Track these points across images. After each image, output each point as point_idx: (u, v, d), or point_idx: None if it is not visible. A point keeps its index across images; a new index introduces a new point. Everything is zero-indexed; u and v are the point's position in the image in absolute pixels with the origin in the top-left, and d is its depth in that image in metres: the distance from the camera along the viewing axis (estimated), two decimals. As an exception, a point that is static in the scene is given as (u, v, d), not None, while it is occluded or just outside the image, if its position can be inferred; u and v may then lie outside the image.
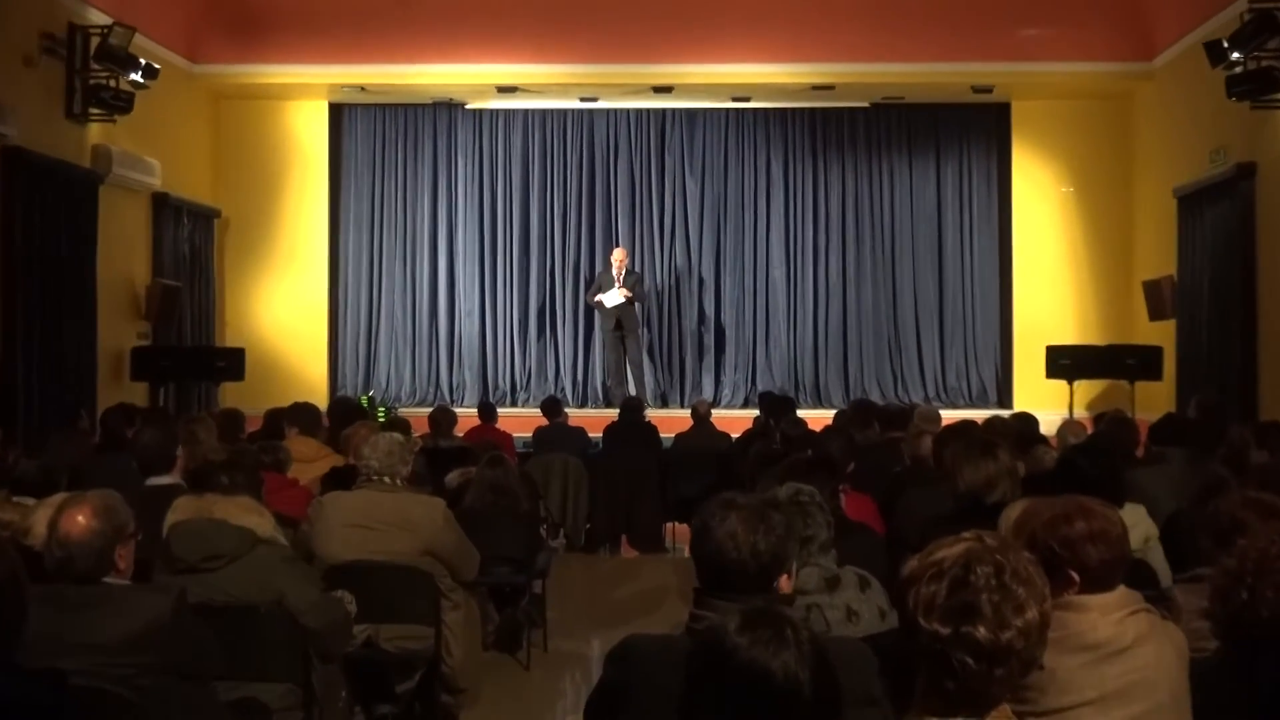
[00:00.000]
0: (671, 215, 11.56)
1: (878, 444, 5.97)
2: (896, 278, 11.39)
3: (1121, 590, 2.19)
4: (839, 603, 2.66)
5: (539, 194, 11.57)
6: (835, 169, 11.51)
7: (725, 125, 11.50)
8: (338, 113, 11.37)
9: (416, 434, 6.61)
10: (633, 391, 10.46)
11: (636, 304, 10.79)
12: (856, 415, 6.69)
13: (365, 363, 11.42)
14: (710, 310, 11.51)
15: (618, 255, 10.71)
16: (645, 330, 11.28)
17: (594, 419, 8.89)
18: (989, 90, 10.53)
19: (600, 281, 10.73)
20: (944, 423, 5.59)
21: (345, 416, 6.44)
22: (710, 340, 11.48)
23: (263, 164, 11.00)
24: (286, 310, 11.02)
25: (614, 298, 10.42)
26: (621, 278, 10.48)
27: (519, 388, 11.39)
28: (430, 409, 7.67)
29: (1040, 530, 2.21)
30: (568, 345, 11.48)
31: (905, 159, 11.44)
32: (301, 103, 11.06)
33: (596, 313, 10.92)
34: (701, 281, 11.58)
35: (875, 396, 10.57)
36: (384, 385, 11.35)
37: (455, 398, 11.17)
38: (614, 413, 8.51)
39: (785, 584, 2.20)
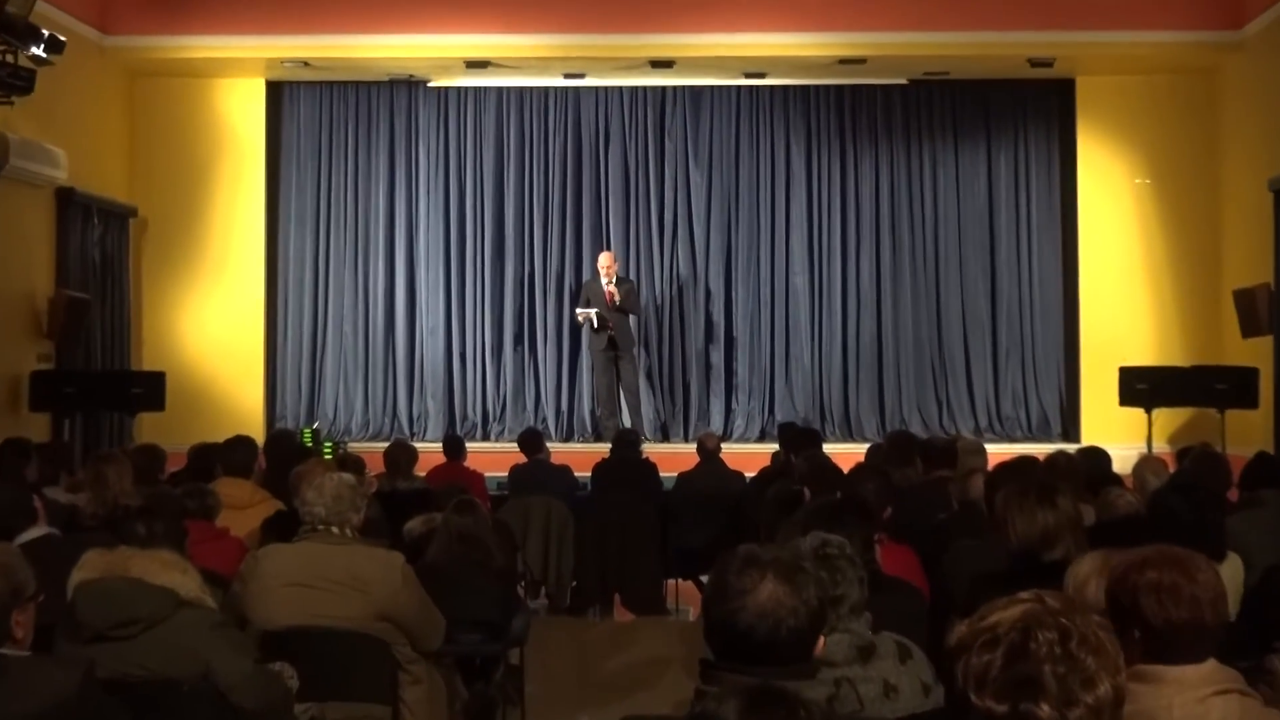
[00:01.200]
0: (673, 213, 11.65)
1: (920, 485, 5.99)
2: (941, 286, 11.52)
3: (1212, 665, 2.14)
4: (874, 675, 2.64)
5: (515, 189, 11.66)
6: (867, 158, 11.61)
7: (736, 106, 11.62)
8: (276, 93, 11.47)
9: (370, 474, 6.62)
10: (627, 422, 10.58)
11: (631, 317, 10.89)
12: (894, 451, 6.69)
13: (309, 389, 11.52)
14: (719, 325, 11.62)
15: (604, 260, 10.79)
16: (642, 350, 11.39)
17: (581, 455, 8.93)
18: (1049, 64, 10.57)
19: (588, 292, 10.81)
20: (998, 459, 5.58)
21: (285, 454, 6.48)
22: (719, 361, 11.58)
23: (188, 154, 11.09)
24: (216, 327, 11.12)
25: (596, 313, 10.51)
26: (612, 287, 10.56)
27: (492, 418, 11.50)
28: (387, 444, 7.73)
29: (1111, 581, 2.20)
30: (550, 368, 11.56)
31: (950, 146, 11.57)
32: (233, 81, 11.17)
33: (584, 330, 11.01)
34: (709, 291, 11.67)
35: (916, 428, 10.69)
36: (331, 416, 11.46)
37: (416, 431, 11.33)
38: (605, 448, 8.55)
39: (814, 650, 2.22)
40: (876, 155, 11.61)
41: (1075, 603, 1.68)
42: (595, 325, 10.51)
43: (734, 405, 11.54)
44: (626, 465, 7.86)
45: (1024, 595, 1.62)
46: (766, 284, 11.60)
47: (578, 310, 10.62)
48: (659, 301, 11.62)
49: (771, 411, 11.41)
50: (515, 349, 11.57)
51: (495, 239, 11.64)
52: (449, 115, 11.62)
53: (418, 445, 7.85)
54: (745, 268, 11.63)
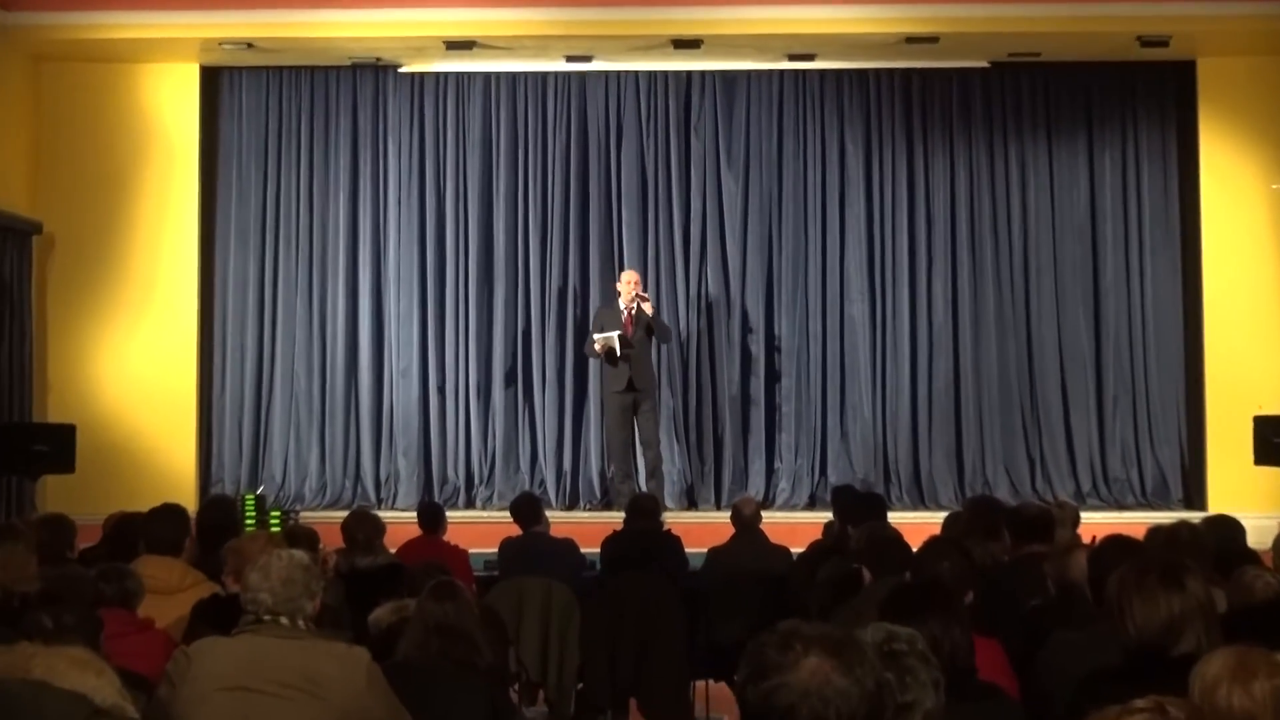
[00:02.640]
0: (700, 228, 11.76)
1: (1008, 564, 6.00)
2: (1032, 316, 11.61)
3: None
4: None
5: (507, 198, 11.78)
6: (940, 160, 11.71)
7: (778, 96, 11.76)
8: (213, 81, 11.62)
9: (328, 550, 6.65)
10: (644, 485, 10.63)
11: (657, 341, 10.93)
12: (976, 521, 6.63)
13: (253, 446, 11.62)
14: (758, 366, 11.68)
15: (628, 278, 10.86)
16: (664, 394, 11.45)
17: (589, 527, 9.01)
18: (1164, 43, 10.62)
19: (601, 320, 10.89)
20: (1105, 531, 5.57)
21: (223, 526, 6.48)
22: (758, 410, 11.65)
23: (105, 157, 11.19)
24: (139, 369, 11.17)
25: (613, 339, 10.57)
26: (637, 301, 10.62)
27: (478, 481, 11.58)
28: (347, 513, 7.72)
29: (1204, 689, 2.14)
30: (550, 417, 11.62)
31: (1042, 145, 11.67)
32: (161, 66, 11.27)
33: (595, 368, 11.15)
34: (745, 324, 11.77)
35: (1003, 493, 10.75)
36: (280, 479, 11.55)
37: (385, 496, 11.47)
38: (618, 518, 8.55)
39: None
40: (951, 156, 11.70)
41: (1203, 712, 1.65)
42: (615, 352, 10.56)
43: (777, 464, 11.60)
44: (644, 539, 7.87)
45: (1140, 703, 1.63)
46: (817, 314, 11.68)
47: (594, 337, 10.69)
48: (683, 336, 11.69)
49: (823, 472, 11.50)
50: (507, 394, 11.67)
51: (482, 259, 11.75)
52: (425, 108, 11.75)
53: (386, 514, 7.92)
54: (790, 294, 11.71)
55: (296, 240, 11.76)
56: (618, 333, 10.55)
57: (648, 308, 10.58)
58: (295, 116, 11.80)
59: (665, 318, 11.46)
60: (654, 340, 10.83)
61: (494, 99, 11.76)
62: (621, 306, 10.69)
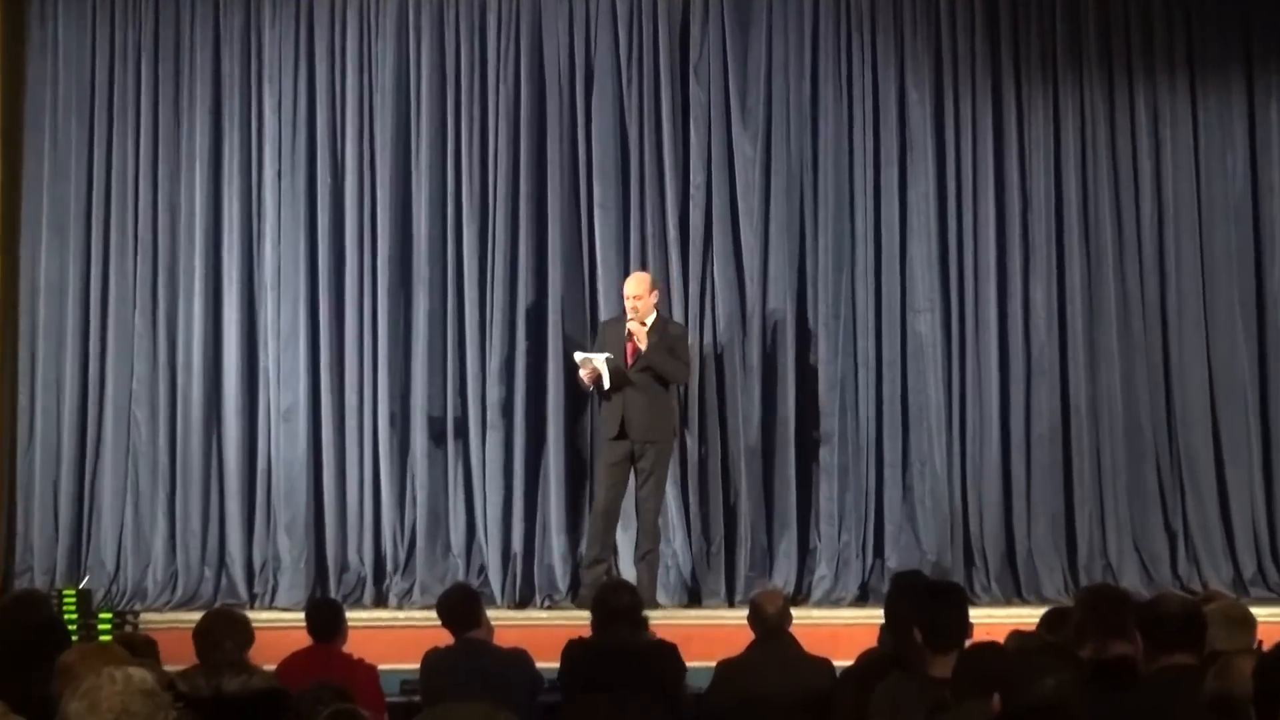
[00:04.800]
0: (704, 209, 11.75)
1: (1142, 680, 5.91)
2: (1170, 331, 11.67)
3: None
4: None
5: (432, 168, 11.79)
6: (1039, 111, 11.75)
7: (812, 22, 11.78)
8: (18, 12, 11.66)
9: (174, 667, 6.57)
10: (630, 571, 10.75)
11: (672, 386, 11.03)
12: (1094, 619, 6.44)
13: (73, 519, 11.55)
14: (786, 400, 11.67)
15: (634, 287, 10.98)
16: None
17: (547, 632, 9.04)
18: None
19: (604, 337, 11.10)
20: (1274, 635, 5.65)
21: (30, 634, 6.41)
22: (786, 463, 11.63)
23: None
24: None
25: (601, 363, 10.76)
26: (642, 327, 10.76)
27: (392, 568, 11.52)
28: (204, 614, 7.34)
29: None
30: (494, 476, 11.60)
31: (1183, 89, 11.73)
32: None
33: (557, 405, 11.38)
34: (768, 342, 11.76)
35: (1131, 579, 10.77)
36: (112, 568, 11.47)
37: (259, 590, 11.42)
38: (584, 618, 8.28)
39: None
40: (1055, 108, 11.73)
41: None
42: (603, 384, 10.69)
43: (813, 542, 11.58)
44: (622, 651, 7.71)
45: None
46: (868, 330, 11.67)
47: (577, 357, 10.87)
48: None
49: (878, 552, 11.50)
50: (432, 444, 11.65)
51: (397, 255, 11.74)
52: (314, 45, 11.79)
53: (261, 616, 8.02)
54: (830, 302, 11.70)
55: (135, 229, 11.74)
56: (605, 355, 10.68)
57: (641, 336, 10.67)
58: (133, 58, 11.80)
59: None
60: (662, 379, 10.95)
61: (412, 31, 11.77)
62: (627, 323, 10.88)
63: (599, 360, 10.63)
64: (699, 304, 11.75)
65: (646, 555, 10.85)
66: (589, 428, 11.56)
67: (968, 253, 11.77)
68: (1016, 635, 6.68)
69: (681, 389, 11.45)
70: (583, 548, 11.21)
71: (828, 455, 11.62)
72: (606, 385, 10.66)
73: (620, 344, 10.75)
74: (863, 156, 11.78)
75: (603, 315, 11.43)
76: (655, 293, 10.95)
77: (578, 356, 10.77)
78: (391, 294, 11.73)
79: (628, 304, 10.81)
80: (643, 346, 10.67)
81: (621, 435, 10.74)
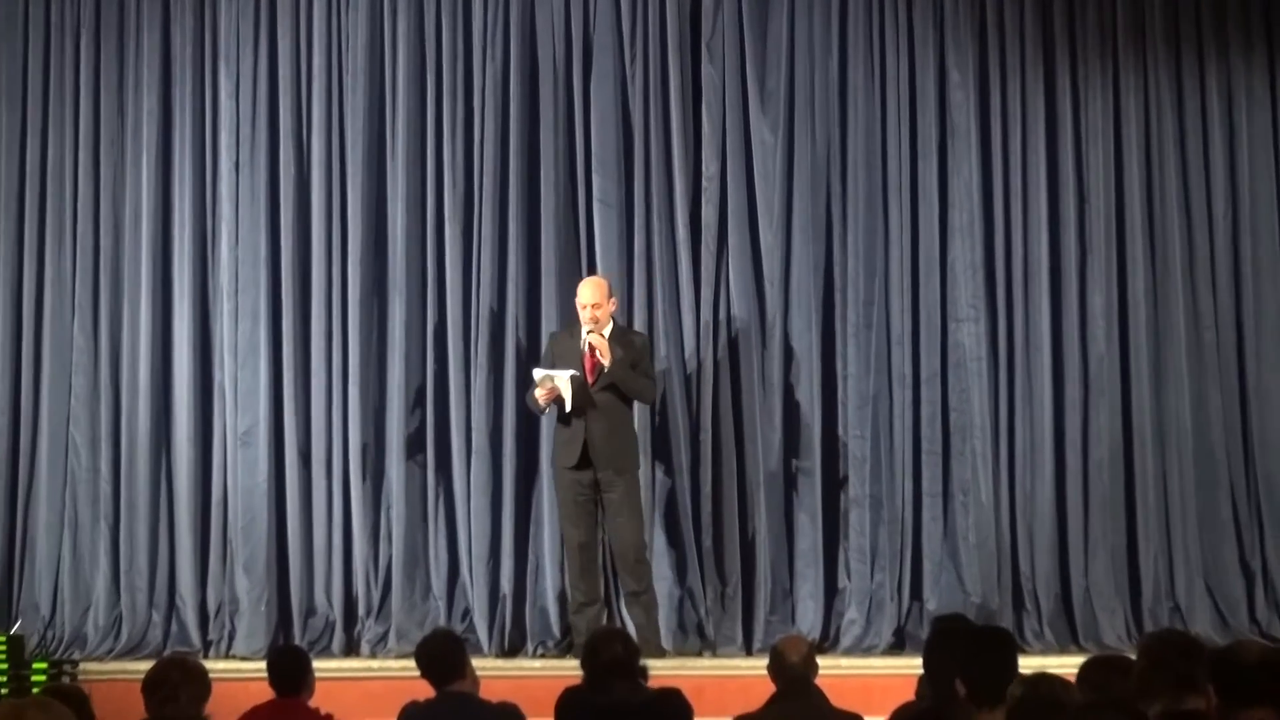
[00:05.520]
0: (718, 205, 11.77)
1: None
2: (1247, 344, 11.67)
3: None
4: None
5: (410, 159, 11.79)
6: (1097, 92, 11.73)
7: (838, -5, 11.72)
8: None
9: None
10: (625, 618, 10.73)
11: (636, 405, 11.00)
12: (1160, 668, 6.31)
13: (2, 557, 11.59)
14: (811, 422, 11.69)
15: (588, 294, 10.90)
16: (656, 470, 11.41)
17: (540, 683, 9.02)
18: None
19: (554, 353, 11.02)
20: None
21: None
22: (811, 493, 11.63)
23: None
24: None
25: (564, 381, 10.71)
26: (599, 339, 10.69)
27: (364, 612, 11.50)
28: (153, 664, 7.35)
29: None
30: (479, 508, 11.57)
31: (1260, 69, 11.73)
32: None
33: (544, 424, 11.20)
34: (790, 356, 11.74)
35: (1204, 624, 10.81)
36: (47, 612, 11.49)
37: (214, 637, 11.40)
38: (574, 668, 8.19)
39: None
40: (1116, 88, 11.73)
41: None
42: (564, 403, 10.63)
43: (842, 582, 11.57)
44: (622, 707, 7.57)
45: None
46: (904, 341, 11.66)
47: (536, 374, 10.80)
48: (688, 373, 11.67)
49: (915, 593, 11.51)
50: (410, 471, 11.65)
51: (369, 257, 11.76)
52: (277, 19, 11.81)
53: (217, 665, 8.10)
54: (861, 310, 11.67)
55: (74, 230, 11.78)
56: (570, 372, 10.61)
57: (604, 349, 10.59)
58: (71, 35, 11.84)
59: (663, 350, 11.46)
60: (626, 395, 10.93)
61: (387, 4, 11.77)
62: (583, 335, 10.78)
63: (562, 379, 10.56)
64: (712, 312, 11.72)
65: (640, 597, 10.85)
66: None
67: (1016, 255, 11.71)
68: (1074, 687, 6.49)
69: (678, 409, 11.53)
70: (570, 590, 11.16)
71: (858, 484, 11.57)
72: (569, 407, 10.60)
73: (575, 359, 10.72)
74: (897, 145, 11.73)
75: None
76: (614, 300, 10.91)
77: (537, 374, 10.69)
78: (364, 302, 11.70)
79: (584, 313, 10.72)
80: (606, 361, 10.61)
81: (584, 464, 10.69)
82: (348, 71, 11.78)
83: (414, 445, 11.69)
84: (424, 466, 11.70)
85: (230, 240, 11.74)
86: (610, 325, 10.79)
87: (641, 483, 11.16)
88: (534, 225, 11.75)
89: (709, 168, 11.75)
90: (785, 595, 11.55)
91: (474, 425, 11.60)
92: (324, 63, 11.77)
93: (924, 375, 11.65)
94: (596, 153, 11.71)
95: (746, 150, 11.76)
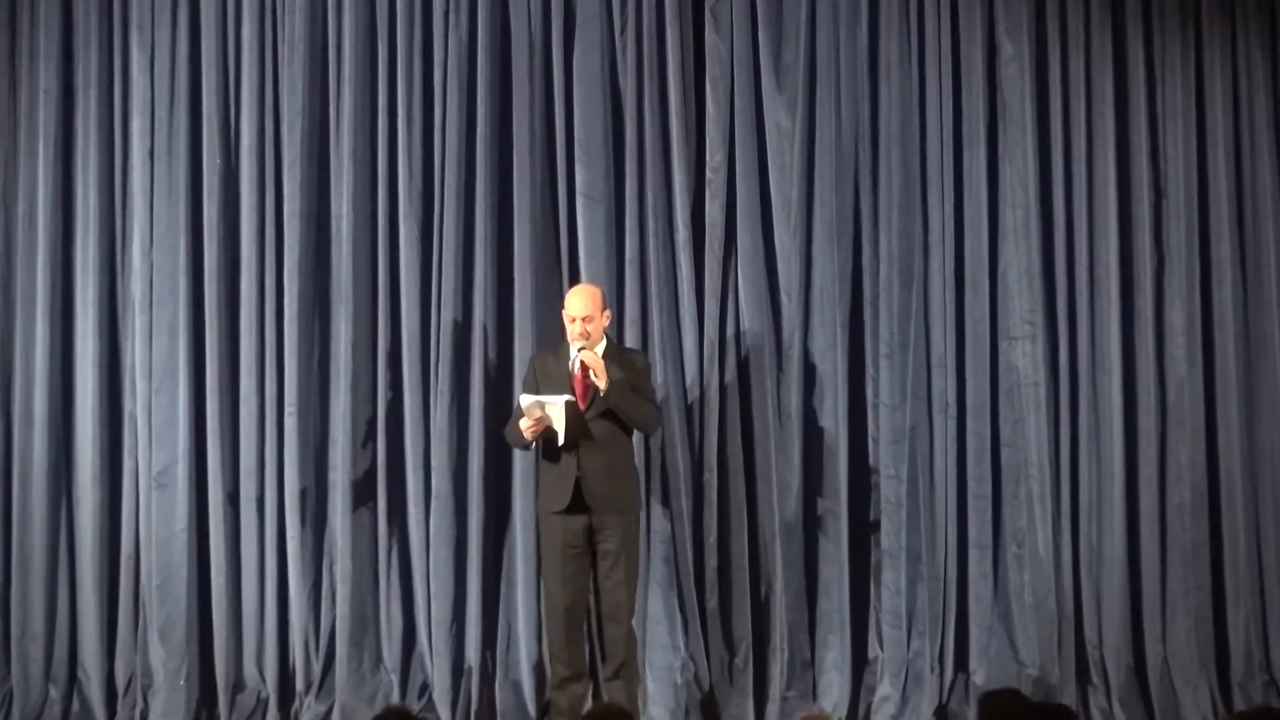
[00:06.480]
0: (724, 200, 11.18)
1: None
2: None
3: None
4: None
5: (359, 145, 11.18)
6: (1174, 69, 11.19)
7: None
8: None
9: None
10: (611, 692, 10.28)
11: (636, 434, 10.46)
12: None
13: None
14: (835, 459, 11.12)
15: (578, 304, 10.24)
16: (654, 515, 10.90)
17: None
18: None
19: (538, 374, 10.40)
20: None
21: None
22: (837, 543, 11.06)
23: None
24: None
25: (558, 410, 10.07)
26: (592, 357, 10.12)
27: (303, 684, 10.98)
28: None
29: None
30: (440, 561, 11.02)
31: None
32: None
33: (530, 465, 10.75)
34: (811, 379, 11.14)
35: None
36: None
37: (124, 714, 10.92)
38: None
39: None
40: (1198, 63, 11.19)
41: None
42: (557, 439, 10.03)
43: (873, 650, 11.04)
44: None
45: None
46: (946, 364, 11.12)
47: (521, 403, 10.12)
48: (689, 402, 11.11)
49: (961, 664, 10.98)
50: (357, 517, 11.05)
51: (309, 263, 11.14)
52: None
53: None
54: (894, 325, 11.12)
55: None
56: (565, 398, 9.97)
57: (600, 370, 9.95)
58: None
59: (660, 375, 10.85)
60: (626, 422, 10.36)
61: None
62: (572, 354, 10.09)
63: (555, 406, 9.90)
64: (718, 329, 11.13)
65: (621, 670, 10.25)
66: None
67: (1080, 261, 11.12)
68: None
69: (678, 442, 10.98)
70: (550, 659, 10.60)
71: (892, 533, 11.00)
72: (562, 440, 9.96)
73: (563, 384, 10.06)
74: (938, 130, 11.13)
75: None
76: (608, 312, 10.31)
77: (524, 400, 9.99)
78: (303, 316, 11.08)
79: (573, 327, 10.07)
80: (601, 384, 9.94)
81: (577, 507, 10.03)
82: (284, 41, 11.17)
83: (363, 487, 11.09)
84: (375, 513, 11.08)
85: (143, 243, 11.13)
86: (604, 342, 10.22)
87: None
88: (505, 225, 11.15)
89: (714, 156, 11.12)
90: (805, 666, 10.98)
91: (434, 464, 11.06)
92: (255, 30, 11.17)
93: (970, 405, 11.08)
94: (580, 138, 11.16)
95: (759, 135, 11.15)
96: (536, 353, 10.59)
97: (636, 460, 10.67)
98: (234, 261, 11.09)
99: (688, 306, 11.07)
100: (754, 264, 11.05)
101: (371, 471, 11.02)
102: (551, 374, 10.20)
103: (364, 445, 11.07)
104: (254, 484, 11.03)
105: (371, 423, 11.05)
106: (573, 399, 10.08)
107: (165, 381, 11.00)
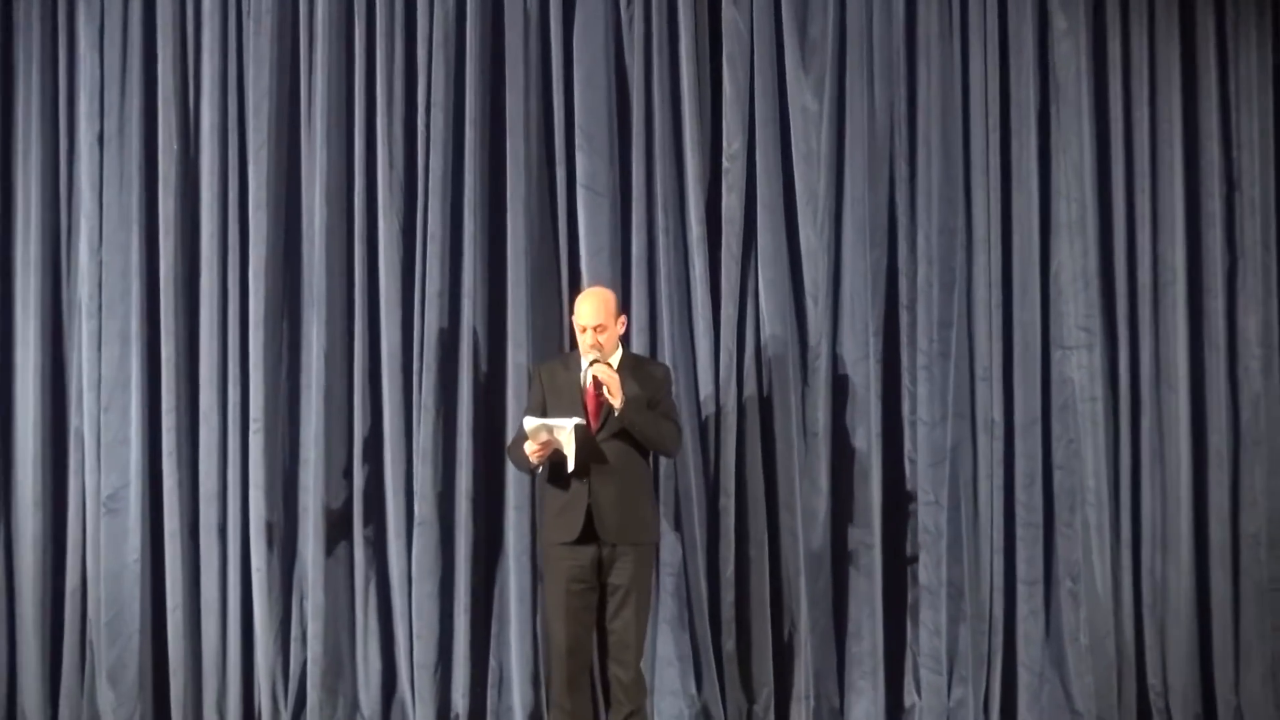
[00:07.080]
0: (742, 194, 10.77)
1: None
2: None
3: None
4: None
5: (335, 134, 10.77)
6: (1249, 45, 10.81)
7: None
8: None
9: None
10: None
11: (650, 436, 9.76)
12: None
13: None
14: (868, 482, 10.72)
15: (588, 311, 9.70)
16: (665, 546, 10.44)
17: None
18: None
19: (546, 386, 9.91)
20: None
21: None
22: (869, 577, 10.69)
23: None
24: None
25: (567, 434, 9.47)
26: (605, 372, 9.61)
27: None
28: None
29: None
30: (424, 594, 10.63)
31: None
32: None
33: (530, 489, 10.51)
34: (841, 391, 10.80)
35: None
36: None
37: None
38: None
39: None
40: (1274, 29, 10.83)
41: None
42: (567, 465, 9.50)
43: (909, 697, 10.68)
44: None
45: None
46: (992, 376, 10.74)
47: (526, 423, 9.51)
48: (703, 419, 10.71)
49: (1008, 713, 10.67)
50: (334, 545, 10.66)
51: (278, 263, 10.72)
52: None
53: None
54: (934, 333, 10.76)
55: None
56: (575, 421, 9.38)
57: (614, 386, 9.40)
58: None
59: (678, 385, 10.39)
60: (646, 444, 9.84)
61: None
62: (584, 365, 9.56)
63: (563, 430, 9.32)
64: (735, 335, 10.69)
65: (638, 712, 9.71)
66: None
67: (1143, 261, 10.73)
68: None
69: (691, 463, 10.60)
70: (552, 703, 10.09)
71: (931, 566, 10.60)
72: (571, 466, 9.39)
73: (574, 398, 9.53)
74: (983, 115, 10.72)
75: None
76: (623, 319, 9.77)
77: (529, 423, 9.37)
78: (270, 322, 10.66)
79: (584, 337, 9.55)
80: (616, 401, 9.39)
81: (587, 537, 9.48)
82: (249, 13, 10.75)
83: (337, 514, 10.65)
84: (351, 542, 10.67)
85: (91, 240, 10.76)
86: (619, 351, 9.68)
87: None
88: (497, 220, 10.74)
89: (731, 144, 10.69)
90: (834, 716, 10.63)
91: (417, 488, 10.61)
92: (218, 14, 10.80)
93: (1019, 422, 10.66)
94: (581, 123, 10.74)
95: (782, 120, 10.71)
96: (543, 363, 10.16)
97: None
98: (193, 260, 10.71)
99: (702, 312, 10.68)
100: (776, 264, 10.66)
101: (347, 496, 10.64)
102: (561, 387, 9.73)
103: (339, 467, 10.66)
104: (215, 510, 10.61)
105: (347, 442, 10.66)
106: (583, 422, 9.60)
107: (116, 395, 10.64)
